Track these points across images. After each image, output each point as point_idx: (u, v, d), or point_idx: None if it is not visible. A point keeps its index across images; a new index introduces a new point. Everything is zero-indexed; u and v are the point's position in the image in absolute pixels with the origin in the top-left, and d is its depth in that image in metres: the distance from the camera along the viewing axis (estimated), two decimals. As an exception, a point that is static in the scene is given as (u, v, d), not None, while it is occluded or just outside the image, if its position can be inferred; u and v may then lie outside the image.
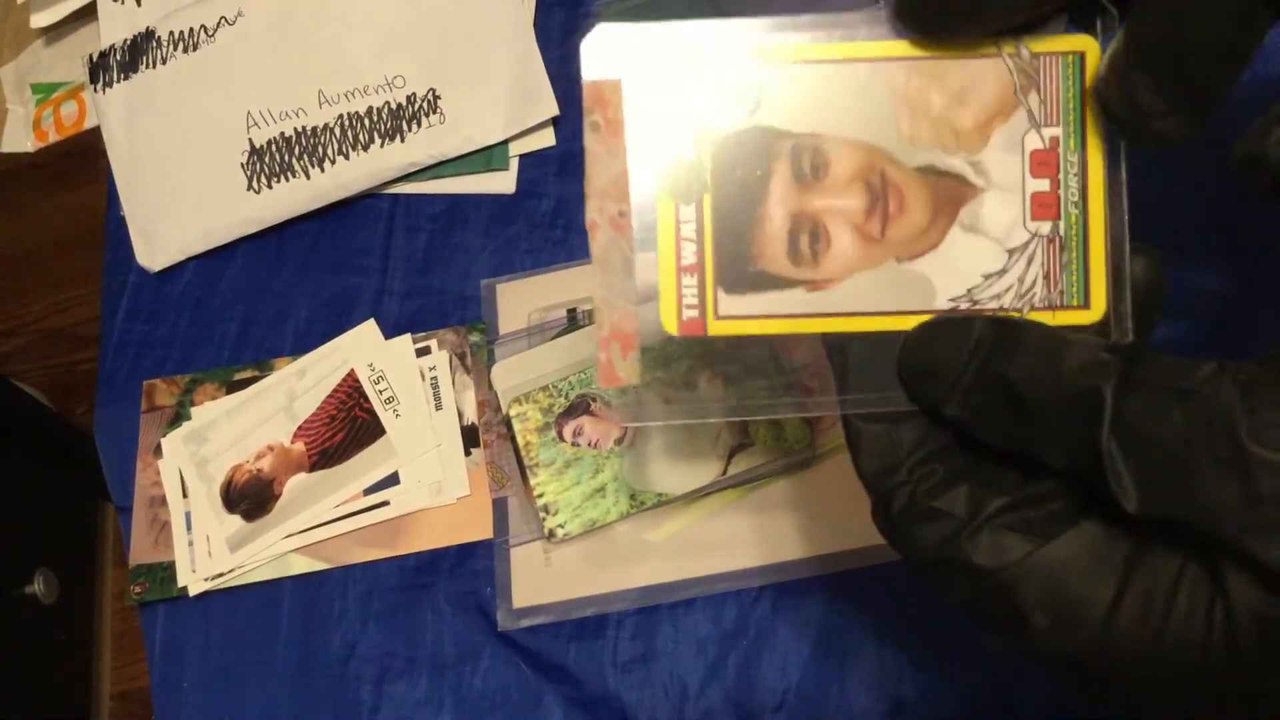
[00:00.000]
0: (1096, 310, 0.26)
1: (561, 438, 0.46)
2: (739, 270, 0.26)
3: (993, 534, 0.23)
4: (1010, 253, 0.26)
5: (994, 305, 0.26)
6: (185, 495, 0.50)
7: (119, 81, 0.59)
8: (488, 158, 0.54)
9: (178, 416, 0.52)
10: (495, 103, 0.54)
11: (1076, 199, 0.25)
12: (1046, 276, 0.26)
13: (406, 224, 0.54)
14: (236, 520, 0.49)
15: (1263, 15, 0.21)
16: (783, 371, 0.45)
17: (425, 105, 0.55)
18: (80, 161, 0.63)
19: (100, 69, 0.60)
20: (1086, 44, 0.25)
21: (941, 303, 0.26)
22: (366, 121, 0.55)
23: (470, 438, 0.49)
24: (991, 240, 0.26)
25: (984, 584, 0.23)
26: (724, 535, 0.44)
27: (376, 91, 0.56)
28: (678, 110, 0.25)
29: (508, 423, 0.47)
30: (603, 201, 0.24)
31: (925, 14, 0.25)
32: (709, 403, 0.33)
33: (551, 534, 0.45)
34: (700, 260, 0.26)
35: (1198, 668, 0.21)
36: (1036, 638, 0.22)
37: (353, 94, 0.56)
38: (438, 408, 0.49)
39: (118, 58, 0.60)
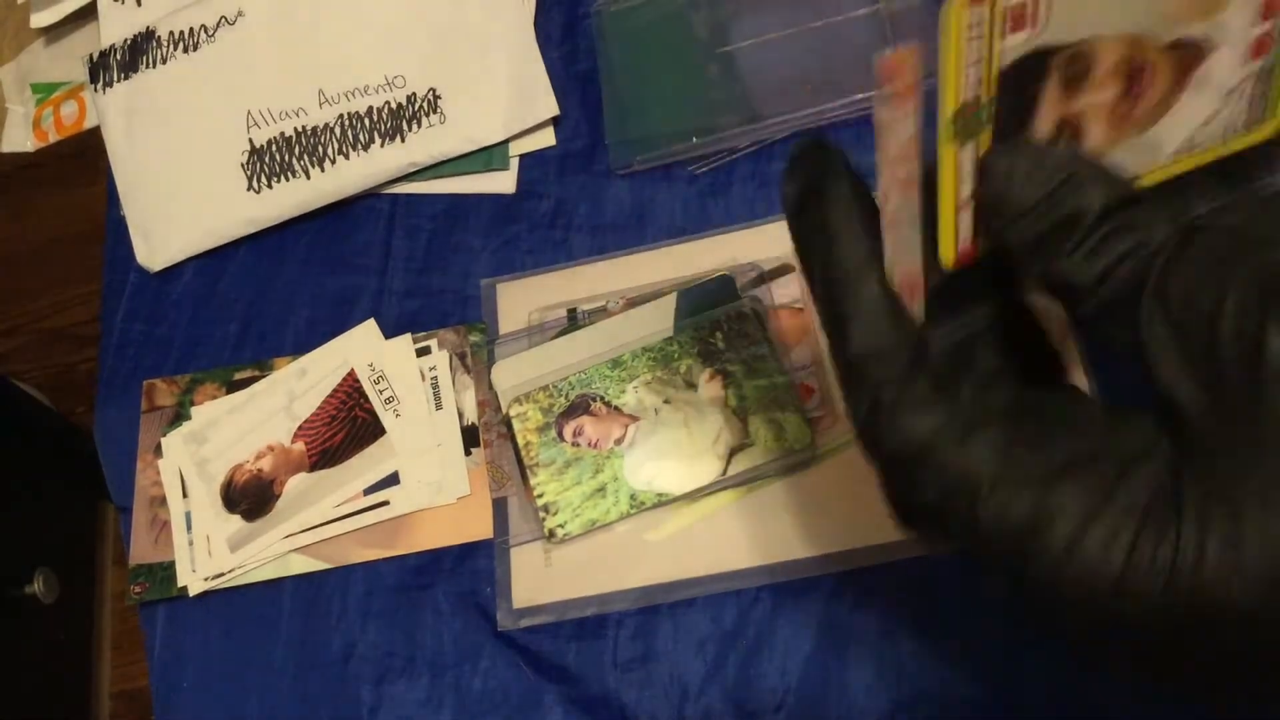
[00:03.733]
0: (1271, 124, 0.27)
1: (561, 438, 0.46)
2: None
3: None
4: (1227, 95, 0.26)
5: (1205, 143, 0.26)
6: (185, 495, 0.50)
7: (119, 81, 0.59)
8: (488, 158, 0.54)
9: (178, 416, 0.52)
10: (495, 103, 0.54)
11: None
12: (1250, 105, 0.26)
13: (406, 224, 0.54)
14: (236, 520, 0.49)
15: None
16: (782, 370, 0.45)
17: (425, 105, 0.55)
18: (80, 161, 0.63)
19: (100, 69, 0.60)
20: None
21: (1165, 157, 0.26)
22: (366, 121, 0.55)
23: (470, 438, 0.49)
24: (1214, 88, 0.26)
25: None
26: (724, 535, 0.44)
27: (376, 91, 0.56)
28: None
29: (508, 422, 0.47)
30: (894, 168, 0.24)
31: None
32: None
33: (551, 534, 0.45)
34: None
35: None
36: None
37: (353, 94, 0.56)
38: (438, 408, 0.49)
39: (118, 57, 0.60)
